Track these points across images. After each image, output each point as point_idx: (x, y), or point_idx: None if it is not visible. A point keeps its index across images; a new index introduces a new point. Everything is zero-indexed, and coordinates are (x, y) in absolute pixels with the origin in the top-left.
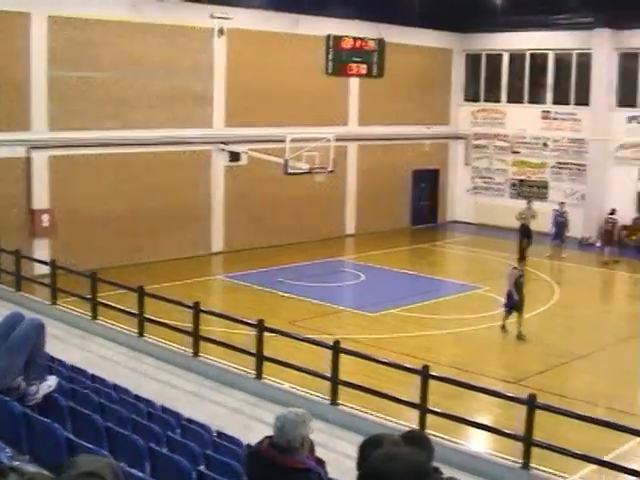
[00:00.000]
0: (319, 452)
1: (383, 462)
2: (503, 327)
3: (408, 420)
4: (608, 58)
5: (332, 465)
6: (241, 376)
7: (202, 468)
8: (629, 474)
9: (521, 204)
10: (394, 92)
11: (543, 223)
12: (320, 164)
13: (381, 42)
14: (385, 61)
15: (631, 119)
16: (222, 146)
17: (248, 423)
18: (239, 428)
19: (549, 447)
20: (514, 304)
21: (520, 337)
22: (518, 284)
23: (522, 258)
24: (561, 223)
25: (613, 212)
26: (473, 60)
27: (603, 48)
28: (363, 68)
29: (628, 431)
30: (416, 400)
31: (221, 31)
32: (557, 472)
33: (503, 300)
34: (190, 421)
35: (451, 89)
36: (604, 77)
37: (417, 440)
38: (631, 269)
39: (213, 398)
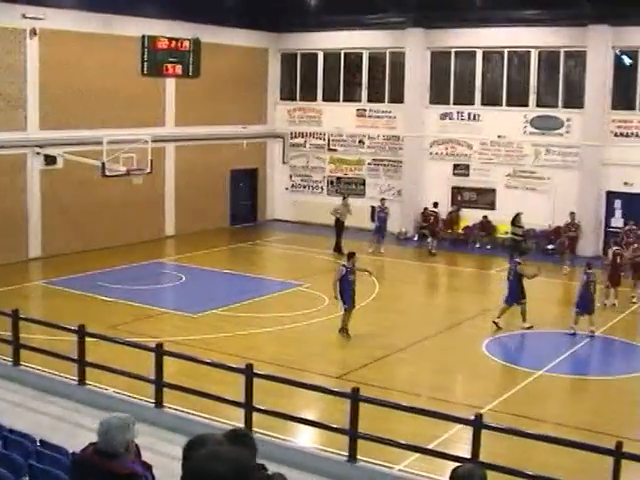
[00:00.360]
0: (145, 456)
1: (205, 461)
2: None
3: (234, 419)
4: (421, 57)
5: (159, 468)
6: (64, 383)
7: (26, 479)
8: (453, 460)
9: (339, 201)
10: (211, 92)
11: (362, 219)
12: (138, 166)
13: (196, 42)
14: (201, 61)
15: (444, 116)
16: (37, 149)
17: (73, 431)
18: (64, 436)
19: (374, 439)
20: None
21: (343, 331)
22: (348, 280)
23: (339, 252)
24: (382, 219)
25: (436, 205)
26: (289, 59)
27: (415, 47)
28: (179, 68)
29: (450, 419)
30: (241, 399)
31: (33, 32)
32: (383, 463)
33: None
34: (12, 432)
35: (267, 88)
36: (417, 75)
37: (240, 438)
38: (448, 261)
39: (36, 407)
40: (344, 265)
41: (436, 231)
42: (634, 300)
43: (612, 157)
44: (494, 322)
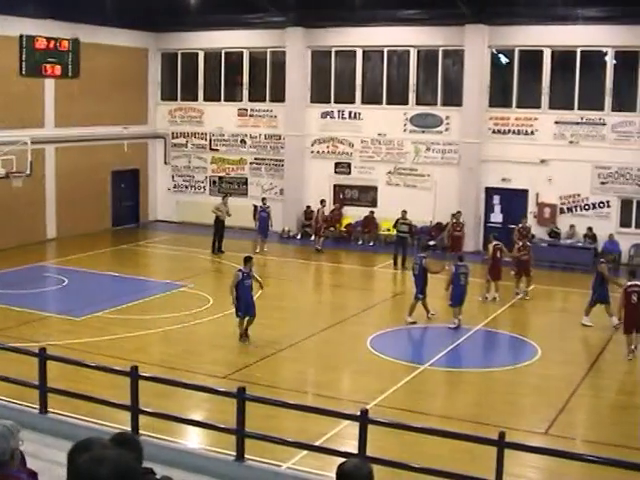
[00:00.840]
0: (30, 463)
1: (89, 465)
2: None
3: (121, 422)
4: (301, 56)
5: (45, 475)
6: None
7: None
8: (340, 456)
9: (221, 200)
10: (91, 92)
11: (245, 219)
12: (17, 168)
13: (76, 42)
14: (81, 61)
15: (325, 115)
16: None
17: None
18: None
19: (261, 437)
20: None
21: (243, 337)
22: (245, 286)
23: (219, 251)
24: (264, 218)
25: (323, 203)
26: (169, 59)
27: (296, 46)
28: (58, 69)
29: (336, 415)
30: (127, 402)
31: None
32: (271, 461)
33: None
34: None
35: (148, 88)
36: (298, 74)
37: (126, 442)
38: (332, 259)
39: None
40: (241, 270)
41: (318, 228)
42: (520, 296)
43: (490, 154)
44: (409, 322)
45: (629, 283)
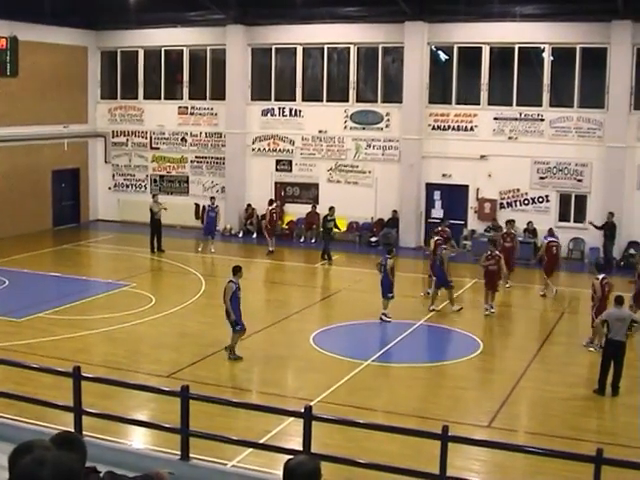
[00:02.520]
0: None
1: (31, 467)
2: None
3: (65, 424)
4: (241, 53)
5: None
6: None
7: None
8: (285, 453)
9: (164, 199)
10: (30, 91)
11: (186, 217)
12: None
13: (14, 40)
14: (20, 60)
15: (266, 112)
16: None
17: None
18: None
19: (205, 436)
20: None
21: (231, 352)
22: (237, 297)
23: (159, 250)
24: (212, 218)
25: (271, 202)
26: (109, 57)
27: (236, 44)
28: None
29: (281, 412)
30: (70, 403)
31: None
32: (217, 459)
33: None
34: None
35: (88, 87)
36: (238, 72)
37: (68, 442)
38: (275, 257)
39: None
40: (232, 281)
41: (269, 229)
42: (487, 312)
43: (431, 150)
44: (382, 319)
45: (550, 239)
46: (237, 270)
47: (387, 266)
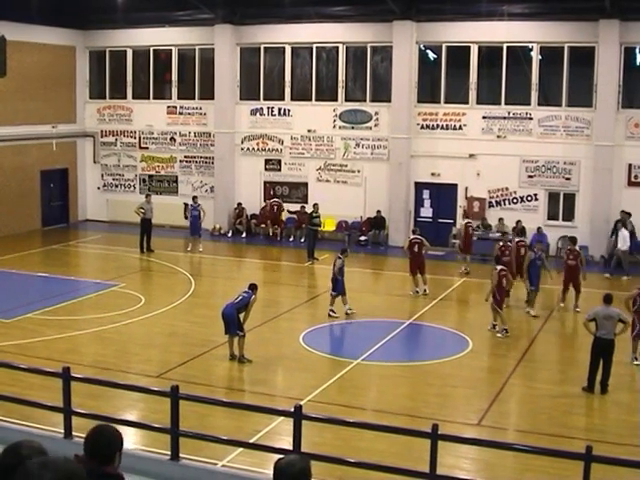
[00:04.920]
0: None
1: (37, 470)
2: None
3: (54, 424)
4: (230, 53)
5: None
6: None
7: None
8: (275, 453)
9: (153, 199)
10: (19, 91)
11: (175, 217)
12: None
13: (2, 40)
14: (7, 60)
15: (254, 111)
16: None
17: None
18: None
19: (195, 436)
20: None
21: (242, 359)
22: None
23: (148, 250)
24: (196, 217)
25: (271, 197)
26: (97, 57)
27: (225, 43)
28: None
29: (270, 412)
30: (60, 404)
31: None
32: (207, 459)
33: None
34: None
35: (76, 87)
36: (227, 71)
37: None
38: (264, 256)
39: None
40: (246, 292)
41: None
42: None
43: (419, 149)
44: (346, 313)
45: (412, 236)
46: (254, 287)
47: (336, 266)
